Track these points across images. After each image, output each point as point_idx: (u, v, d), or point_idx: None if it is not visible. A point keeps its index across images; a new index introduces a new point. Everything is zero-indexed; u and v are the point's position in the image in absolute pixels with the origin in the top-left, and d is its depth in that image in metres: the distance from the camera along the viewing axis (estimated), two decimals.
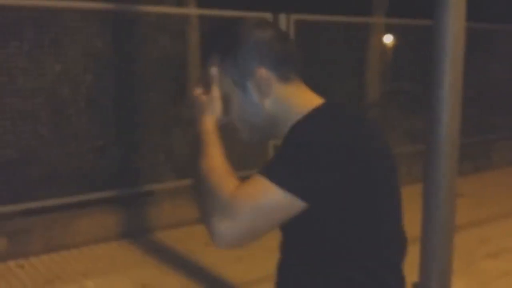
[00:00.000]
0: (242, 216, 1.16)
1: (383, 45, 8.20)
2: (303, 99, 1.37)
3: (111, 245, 5.01)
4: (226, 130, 1.42)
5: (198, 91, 1.43)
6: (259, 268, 4.22)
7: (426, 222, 2.51)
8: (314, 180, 1.19)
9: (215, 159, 1.29)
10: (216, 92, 1.39)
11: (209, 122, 1.38)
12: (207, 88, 1.41)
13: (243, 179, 1.23)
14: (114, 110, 5.41)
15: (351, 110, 1.38)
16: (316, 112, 1.32)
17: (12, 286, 4.19)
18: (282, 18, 5.90)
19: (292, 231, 1.33)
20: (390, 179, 1.32)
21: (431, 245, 2.50)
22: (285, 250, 1.41)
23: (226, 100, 1.40)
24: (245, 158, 5.09)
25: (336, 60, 6.86)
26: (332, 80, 6.79)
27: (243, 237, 1.19)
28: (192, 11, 6.18)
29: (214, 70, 1.38)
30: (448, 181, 2.39)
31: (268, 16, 5.79)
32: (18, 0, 4.61)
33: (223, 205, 1.18)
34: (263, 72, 1.34)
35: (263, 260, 4.51)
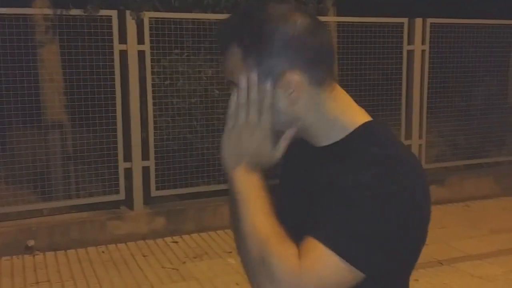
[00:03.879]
0: None
1: None
2: (343, 107, 1.15)
3: None
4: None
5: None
6: None
7: None
8: (386, 254, 1.04)
9: (262, 218, 1.06)
10: (267, 123, 1.09)
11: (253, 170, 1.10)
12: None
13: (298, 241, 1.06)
14: None
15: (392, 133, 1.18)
16: (375, 135, 1.13)
17: (168, 258, 4.87)
18: (418, 22, 6.00)
19: None
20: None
21: None
22: None
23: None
24: None
25: (478, 62, 6.76)
26: (474, 82, 6.69)
27: None
28: (331, 18, 6.35)
29: (253, 77, 1.07)
30: None
31: (404, 21, 5.96)
32: (180, 14, 5.35)
33: (285, 278, 1.01)
34: (294, 77, 1.08)
35: None
